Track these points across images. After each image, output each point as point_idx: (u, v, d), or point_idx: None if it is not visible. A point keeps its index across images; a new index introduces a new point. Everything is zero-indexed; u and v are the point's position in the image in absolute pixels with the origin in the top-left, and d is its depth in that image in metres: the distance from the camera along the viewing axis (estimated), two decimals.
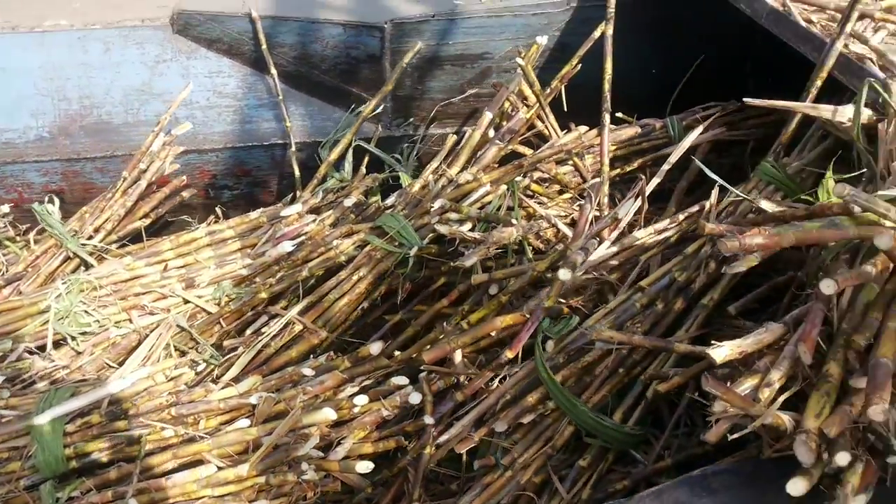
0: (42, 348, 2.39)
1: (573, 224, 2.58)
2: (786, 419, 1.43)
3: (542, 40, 2.93)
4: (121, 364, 2.34)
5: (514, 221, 2.29)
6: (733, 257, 1.81)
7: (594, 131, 2.88)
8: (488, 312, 2.21)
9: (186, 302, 2.46)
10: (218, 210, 3.17)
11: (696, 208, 2.41)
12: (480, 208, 2.50)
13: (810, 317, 1.52)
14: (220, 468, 1.96)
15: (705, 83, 3.18)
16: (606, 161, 2.69)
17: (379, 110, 3.15)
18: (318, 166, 3.21)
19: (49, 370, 2.26)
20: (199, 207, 3.24)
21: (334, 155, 3.05)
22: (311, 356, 2.26)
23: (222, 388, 2.09)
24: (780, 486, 1.34)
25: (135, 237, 2.88)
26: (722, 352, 1.51)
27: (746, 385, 1.50)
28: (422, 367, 2.16)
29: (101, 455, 2.02)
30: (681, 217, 2.40)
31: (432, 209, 2.39)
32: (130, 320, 2.42)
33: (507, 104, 2.85)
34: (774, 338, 1.59)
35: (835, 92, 2.43)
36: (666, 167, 2.67)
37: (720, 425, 1.47)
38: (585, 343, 2.03)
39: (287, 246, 2.50)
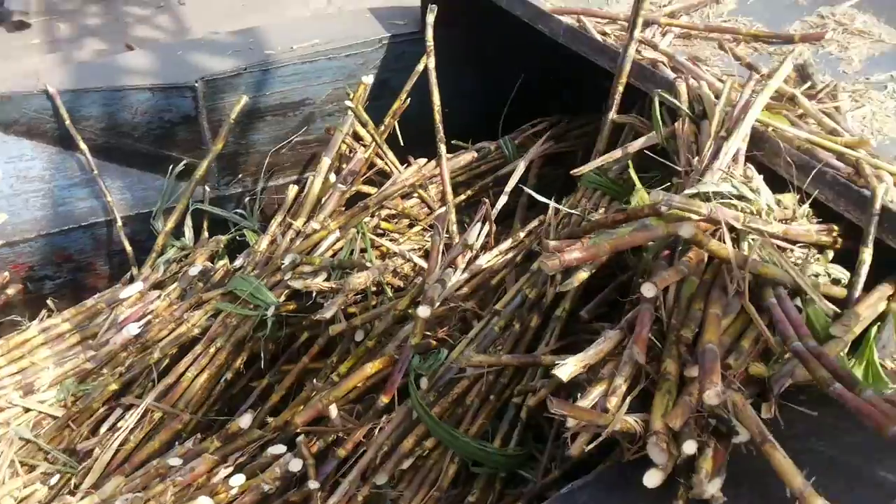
0: None
1: (427, 255, 2.59)
2: (634, 423, 1.47)
3: (369, 80, 2.93)
4: None
5: (368, 264, 2.28)
6: (566, 272, 1.91)
7: (433, 162, 2.93)
8: (356, 361, 2.18)
9: (27, 410, 2.28)
10: (49, 302, 2.99)
11: (535, 223, 2.49)
12: (333, 255, 2.47)
13: (640, 318, 1.60)
14: None
15: (527, 102, 3.30)
16: (449, 189, 2.73)
17: (202, 171, 3.07)
18: (147, 240, 3.09)
19: None
20: (19, 304, 3.02)
21: (171, 223, 2.95)
22: (176, 443, 2.14)
23: (81, 498, 1.95)
24: (643, 486, 1.39)
25: None
26: (567, 369, 1.55)
27: (595, 392, 1.54)
28: (297, 431, 2.09)
29: None
30: (522, 235, 2.46)
31: (283, 265, 2.34)
32: None
33: (343, 146, 2.85)
34: (614, 344, 1.64)
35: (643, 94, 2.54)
36: (509, 187, 2.75)
37: (579, 440, 1.51)
38: (455, 374, 2.04)
39: (133, 329, 2.37)
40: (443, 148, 2.79)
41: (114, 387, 2.32)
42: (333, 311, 2.16)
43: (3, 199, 2.98)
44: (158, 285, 2.67)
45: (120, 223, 3.02)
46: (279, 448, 2.03)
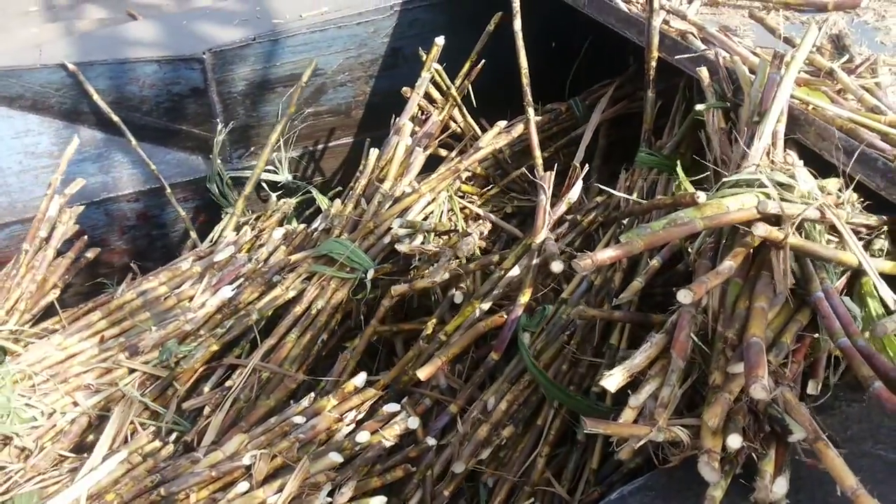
0: None
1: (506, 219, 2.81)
2: (681, 433, 1.50)
3: (440, 41, 2.95)
4: (77, 451, 2.24)
5: (469, 230, 2.45)
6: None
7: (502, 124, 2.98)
8: (464, 320, 2.32)
9: (132, 371, 2.37)
10: (134, 267, 3.06)
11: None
12: (424, 219, 2.60)
13: (679, 324, 1.63)
14: None
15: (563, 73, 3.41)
16: (538, 151, 2.80)
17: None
18: (161, 214, 3.18)
19: (4, 475, 2.11)
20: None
21: (249, 187, 3.06)
22: (291, 402, 2.27)
23: (206, 454, 2.08)
24: (695, 490, 1.44)
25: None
26: (614, 380, 1.58)
27: (647, 388, 1.59)
28: (407, 390, 2.27)
29: None
30: (599, 200, 2.64)
31: (393, 231, 2.48)
32: (76, 403, 2.29)
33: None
34: (659, 350, 1.66)
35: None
36: (583, 144, 2.86)
37: (626, 445, 1.57)
38: (559, 331, 2.18)
39: (227, 291, 2.48)
40: (531, 111, 2.85)
41: (214, 347, 2.43)
42: (444, 275, 2.32)
43: (13, 175, 3.01)
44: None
45: (169, 190, 3.11)
46: (394, 406, 2.19)
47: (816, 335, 1.68)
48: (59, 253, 2.80)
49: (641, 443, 1.51)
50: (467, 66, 2.99)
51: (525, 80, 2.84)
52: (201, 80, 3.11)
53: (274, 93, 3.25)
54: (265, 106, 3.27)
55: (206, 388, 2.36)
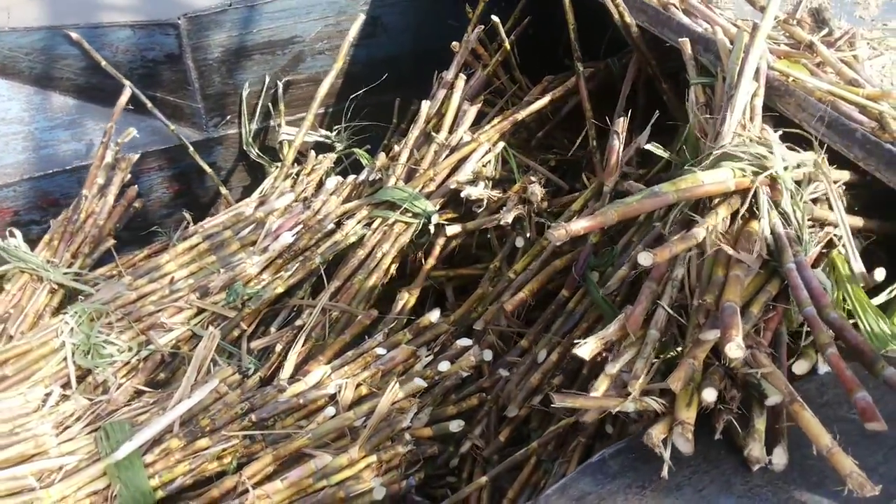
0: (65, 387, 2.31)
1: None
2: (654, 404, 1.55)
3: (496, 19, 3.02)
4: (154, 387, 2.33)
5: (532, 179, 2.67)
6: None
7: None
8: (531, 259, 2.52)
9: (200, 312, 2.45)
10: (186, 215, 3.04)
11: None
12: (483, 167, 2.77)
13: (639, 298, 1.69)
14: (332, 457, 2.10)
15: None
16: (588, 105, 2.89)
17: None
18: (137, 181, 3.20)
19: (91, 408, 2.15)
20: None
21: (299, 139, 3.14)
22: (366, 336, 2.43)
23: (291, 384, 2.20)
24: (675, 454, 1.48)
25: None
26: (587, 348, 1.61)
27: (623, 359, 1.64)
28: (477, 328, 2.46)
29: (185, 479, 2.06)
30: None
31: (438, 177, 2.70)
32: (149, 342, 2.37)
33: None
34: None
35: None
36: (622, 98, 2.85)
37: (592, 413, 1.65)
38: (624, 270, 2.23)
39: (288, 237, 2.61)
40: (580, 66, 2.91)
41: (280, 290, 2.55)
42: (512, 216, 2.54)
43: None
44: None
45: (192, 149, 3.18)
46: (466, 341, 2.41)
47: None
48: None
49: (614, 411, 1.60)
50: (510, 21, 3.14)
51: (573, 35, 2.91)
52: (176, 45, 3.15)
53: (251, 60, 3.31)
54: (242, 73, 3.33)
55: (273, 329, 2.48)
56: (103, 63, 3.02)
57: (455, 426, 2.25)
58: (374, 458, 2.12)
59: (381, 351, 2.31)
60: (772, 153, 1.87)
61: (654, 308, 1.72)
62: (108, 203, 2.77)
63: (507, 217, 2.56)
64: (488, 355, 2.36)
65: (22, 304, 2.45)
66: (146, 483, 2.00)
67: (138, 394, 2.31)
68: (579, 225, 1.60)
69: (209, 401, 2.15)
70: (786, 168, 1.86)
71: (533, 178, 2.70)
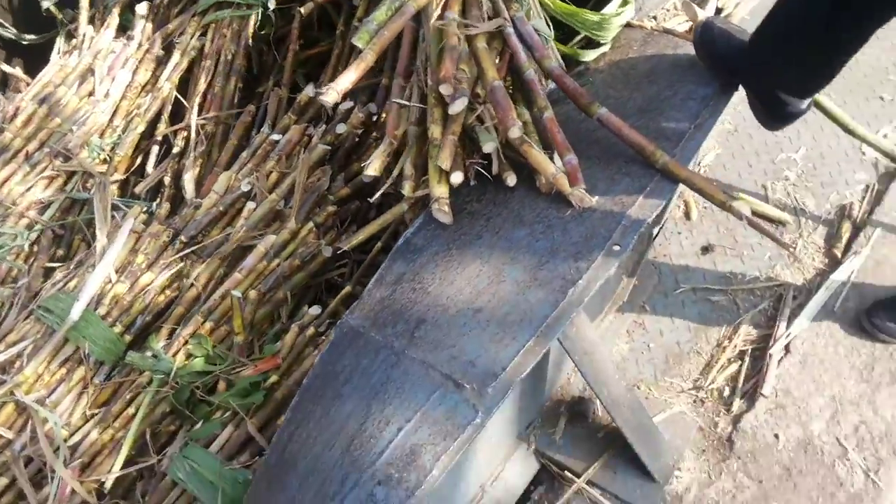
0: None
1: None
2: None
3: None
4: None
5: None
6: None
7: None
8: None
9: (71, 175, 2.35)
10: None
11: None
12: None
13: (388, 103, 1.85)
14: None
15: None
16: None
17: None
18: None
19: (12, 298, 2.10)
20: None
21: None
22: (252, 132, 2.42)
23: (201, 199, 2.16)
24: (459, 204, 1.66)
25: None
26: (331, 96, 1.53)
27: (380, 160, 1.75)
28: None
29: (145, 316, 2.02)
30: None
31: None
32: (35, 222, 2.27)
33: None
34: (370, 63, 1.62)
35: None
36: None
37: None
38: None
39: (125, 74, 2.49)
40: None
41: (141, 128, 2.44)
42: None
43: None
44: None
45: None
46: (347, 103, 2.37)
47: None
48: None
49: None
50: None
51: None
52: None
53: None
54: None
55: (151, 167, 2.38)
56: None
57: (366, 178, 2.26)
58: (310, 224, 2.16)
59: (275, 137, 2.29)
60: None
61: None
62: None
63: None
64: (373, 108, 2.37)
65: None
66: (110, 331, 1.95)
67: (47, 273, 2.19)
68: (347, 80, 1.54)
69: (132, 242, 2.08)
70: None
71: None
